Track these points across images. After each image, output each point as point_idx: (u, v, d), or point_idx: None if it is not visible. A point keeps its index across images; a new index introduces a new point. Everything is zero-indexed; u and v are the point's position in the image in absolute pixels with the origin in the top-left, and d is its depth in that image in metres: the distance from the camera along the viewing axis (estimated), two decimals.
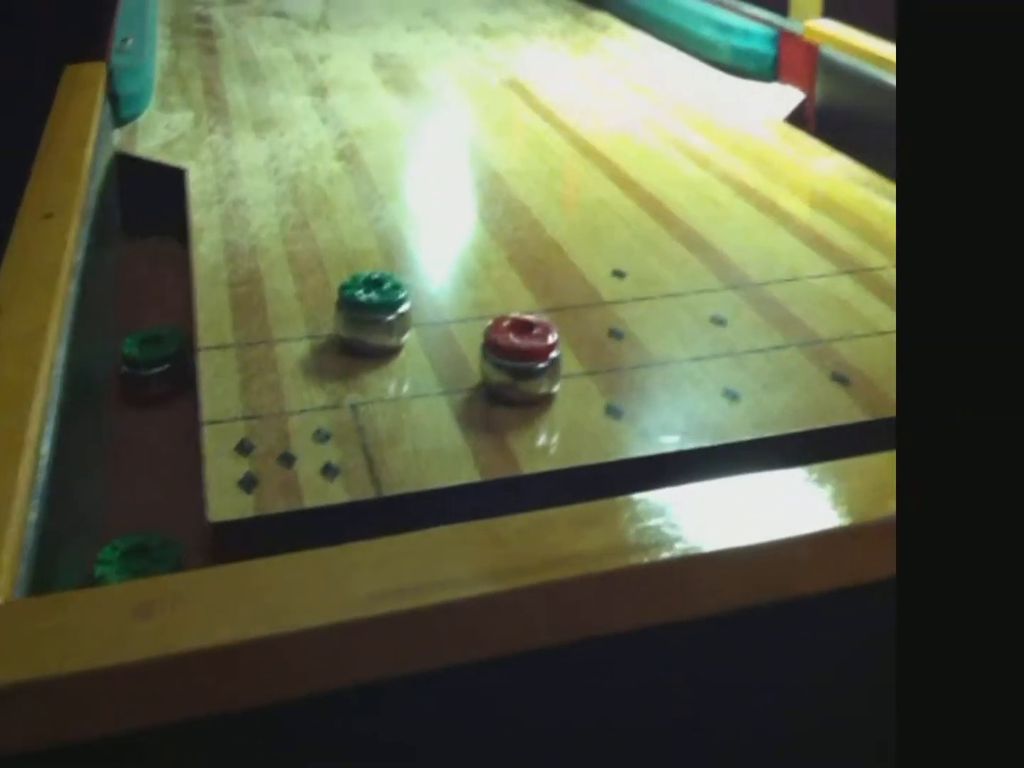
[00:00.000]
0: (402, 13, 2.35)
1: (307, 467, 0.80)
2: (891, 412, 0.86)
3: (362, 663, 0.56)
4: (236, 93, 1.74)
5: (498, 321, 0.91)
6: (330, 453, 0.81)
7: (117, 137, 1.48)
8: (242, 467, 0.80)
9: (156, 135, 1.51)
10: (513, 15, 2.34)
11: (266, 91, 1.76)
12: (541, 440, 0.84)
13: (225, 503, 0.76)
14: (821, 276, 1.11)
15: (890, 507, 0.63)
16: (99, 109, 1.37)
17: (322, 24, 2.26)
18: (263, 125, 1.58)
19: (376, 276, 0.98)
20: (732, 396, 0.89)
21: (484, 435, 0.84)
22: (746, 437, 0.83)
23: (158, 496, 0.85)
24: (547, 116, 1.65)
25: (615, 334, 0.99)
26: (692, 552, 0.60)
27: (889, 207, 1.29)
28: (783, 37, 1.80)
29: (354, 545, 0.60)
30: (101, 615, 0.55)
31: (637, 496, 0.64)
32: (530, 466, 0.80)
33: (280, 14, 2.32)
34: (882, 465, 0.68)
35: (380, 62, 1.96)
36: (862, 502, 0.64)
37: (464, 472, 0.79)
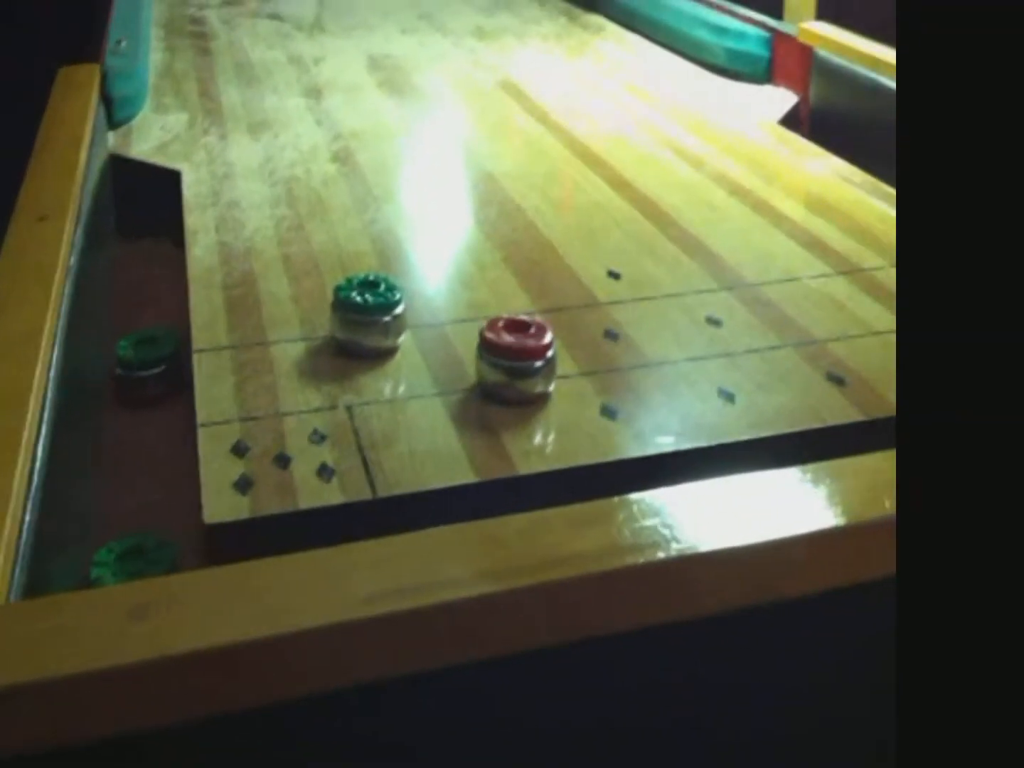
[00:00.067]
0: (397, 15, 2.35)
1: (303, 468, 0.80)
2: (886, 412, 0.87)
3: (360, 663, 0.56)
4: (231, 95, 1.74)
5: (494, 321, 0.91)
6: (326, 454, 0.81)
7: (111, 139, 1.48)
8: (238, 469, 0.80)
9: (150, 137, 1.51)
10: (508, 18, 2.34)
11: (261, 93, 1.76)
12: (537, 441, 0.84)
13: (221, 505, 0.76)
14: (816, 277, 1.11)
15: (885, 507, 0.63)
16: (93, 111, 1.36)
17: (317, 26, 2.26)
18: (258, 127, 1.58)
19: (371, 278, 0.98)
20: (727, 396, 0.89)
21: (480, 436, 0.84)
22: (741, 437, 0.84)
23: (154, 498, 0.85)
24: (542, 118, 1.65)
25: (610, 335, 0.99)
26: (688, 552, 0.60)
27: (883, 208, 1.29)
28: (777, 39, 1.81)
29: (351, 546, 0.60)
30: (97, 617, 0.55)
31: (633, 496, 0.64)
32: (526, 467, 0.80)
33: (275, 16, 2.32)
34: (877, 465, 0.68)
35: (375, 64, 1.96)
36: (857, 502, 0.64)
37: (460, 473, 0.79)
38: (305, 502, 0.76)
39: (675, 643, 0.63)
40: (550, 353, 0.89)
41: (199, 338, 0.97)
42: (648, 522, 0.62)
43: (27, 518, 0.66)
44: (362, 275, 0.98)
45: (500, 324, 0.90)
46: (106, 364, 1.00)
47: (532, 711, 0.62)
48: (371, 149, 1.51)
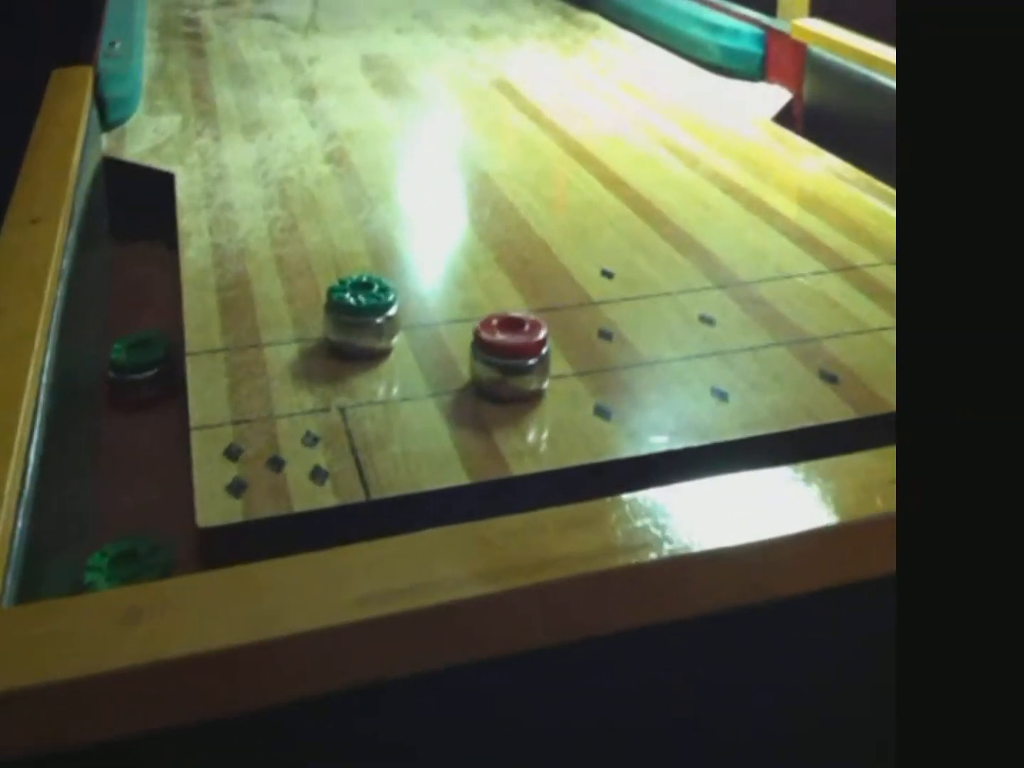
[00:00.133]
0: (392, 15, 2.35)
1: (296, 471, 0.80)
2: (880, 410, 0.87)
3: (355, 666, 0.56)
4: (225, 96, 1.73)
5: (488, 319, 0.91)
6: (319, 457, 0.81)
7: (105, 141, 1.48)
8: (231, 472, 0.80)
9: (144, 139, 1.50)
10: (503, 17, 2.34)
11: (255, 94, 1.76)
12: (530, 442, 0.84)
13: (214, 508, 0.76)
14: (809, 274, 1.11)
15: (878, 505, 0.63)
16: (86, 113, 1.36)
17: (311, 26, 2.26)
18: (252, 128, 1.58)
19: (365, 279, 0.98)
20: (721, 395, 0.89)
21: (473, 437, 0.84)
22: (734, 437, 0.84)
23: (147, 501, 0.85)
24: (536, 117, 1.65)
25: (604, 334, 0.99)
26: (681, 552, 0.60)
27: (877, 205, 1.29)
28: (771, 37, 1.81)
29: (344, 548, 0.60)
30: (90, 622, 0.55)
31: (626, 497, 0.64)
32: (519, 468, 0.80)
33: (269, 17, 2.32)
34: (870, 463, 0.68)
35: (369, 64, 1.96)
36: (850, 501, 0.64)
37: (453, 475, 0.79)
38: (299, 505, 0.76)
39: (669, 643, 0.63)
40: (544, 350, 0.89)
41: (192, 341, 0.97)
42: (641, 522, 0.62)
43: (20, 522, 0.66)
44: (355, 276, 0.98)
45: (494, 322, 0.90)
46: (100, 367, 1.00)
47: (527, 712, 0.62)
48: (365, 149, 1.50)
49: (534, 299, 1.06)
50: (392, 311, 0.95)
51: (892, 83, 1.50)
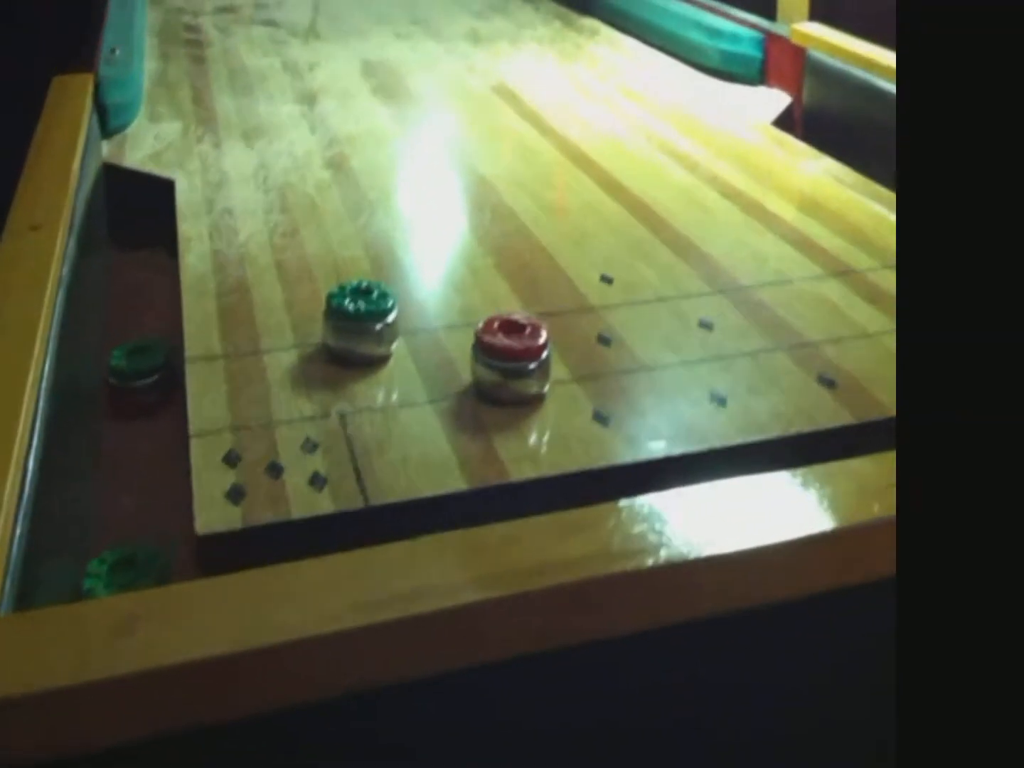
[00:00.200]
0: (391, 21, 2.35)
1: (295, 478, 0.80)
2: (878, 414, 0.87)
3: (353, 672, 0.56)
4: (225, 102, 1.74)
5: (489, 321, 0.91)
6: (318, 463, 0.81)
7: (105, 148, 1.48)
8: (229, 479, 0.80)
9: (144, 145, 1.51)
10: (502, 22, 2.34)
11: (255, 100, 1.76)
12: (529, 447, 0.84)
13: (213, 515, 0.76)
14: (808, 279, 1.11)
15: (875, 510, 0.63)
16: (87, 120, 1.36)
17: (311, 32, 2.26)
18: (252, 134, 1.58)
19: (364, 285, 0.98)
20: (719, 400, 0.89)
21: (472, 443, 0.84)
22: (732, 442, 0.84)
23: (147, 508, 0.85)
24: (535, 122, 1.65)
25: (603, 339, 0.99)
26: (678, 557, 0.60)
27: (876, 209, 1.29)
28: (770, 41, 1.81)
29: (342, 555, 0.60)
30: (88, 629, 0.55)
31: (623, 502, 0.64)
32: (518, 473, 0.80)
33: (270, 23, 2.32)
34: (868, 468, 0.68)
35: (369, 70, 1.96)
36: (847, 505, 0.64)
37: (452, 481, 0.79)
38: (297, 511, 0.76)
39: (668, 648, 0.63)
40: (545, 354, 0.89)
41: (192, 347, 0.97)
42: (639, 527, 0.62)
43: (19, 528, 0.66)
44: (355, 282, 0.98)
45: (495, 325, 0.91)
46: (100, 373, 1.00)
47: (526, 717, 0.62)
48: (365, 155, 1.51)
49: (533, 304, 1.06)
50: (391, 317, 0.95)
51: (891, 87, 1.50)
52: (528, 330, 0.90)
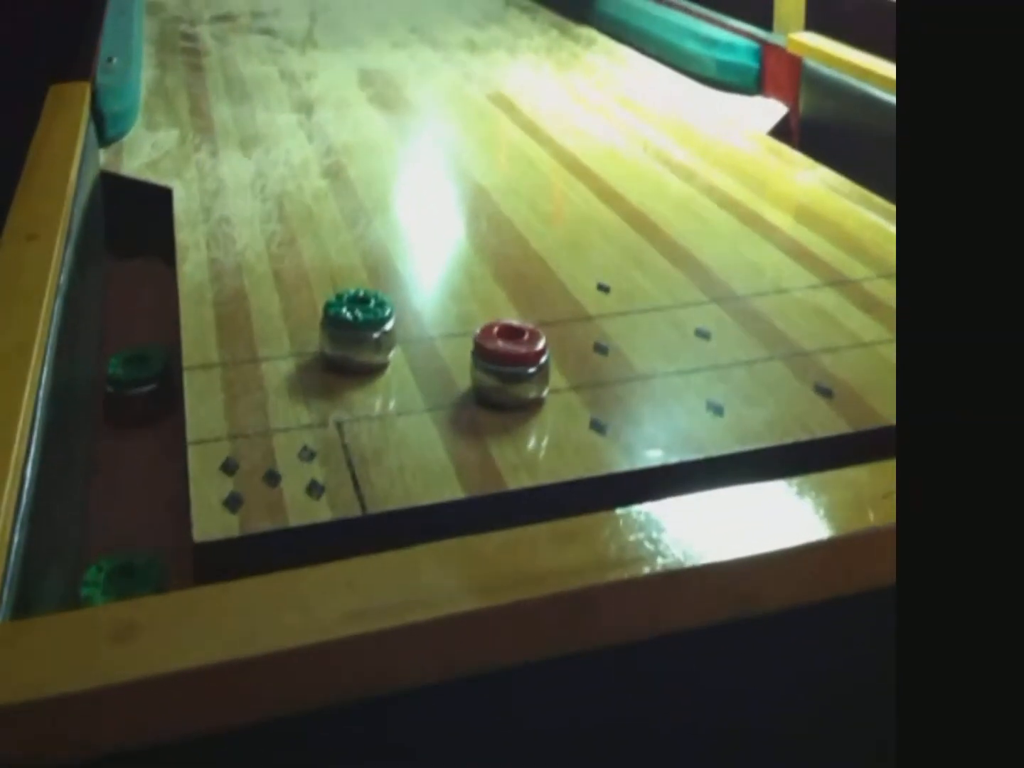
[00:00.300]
0: (389, 30, 2.35)
1: (292, 486, 0.80)
2: (874, 424, 0.87)
3: (347, 681, 0.56)
4: (222, 111, 1.74)
5: (488, 327, 0.92)
6: (315, 471, 0.81)
7: (102, 157, 1.48)
8: (227, 487, 0.80)
9: (142, 154, 1.51)
10: (499, 31, 2.34)
11: (252, 109, 1.76)
12: (526, 456, 0.84)
13: (211, 523, 0.76)
14: (804, 288, 1.11)
15: (870, 519, 0.63)
16: (84, 129, 1.37)
17: (308, 41, 2.26)
18: (249, 143, 1.58)
19: (361, 294, 0.98)
20: (716, 409, 0.89)
21: (469, 451, 0.84)
22: (729, 451, 0.84)
23: (144, 515, 0.85)
24: (532, 131, 1.65)
25: (600, 348, 0.99)
26: (674, 566, 0.60)
27: (872, 219, 1.30)
28: (767, 50, 1.81)
29: (339, 563, 0.60)
30: (85, 637, 0.55)
31: (620, 511, 0.64)
32: (515, 482, 0.80)
33: (267, 32, 2.33)
34: (863, 477, 0.68)
35: (366, 79, 1.97)
36: (843, 515, 0.65)
37: (449, 489, 0.80)
38: (294, 520, 0.77)
39: (664, 656, 0.63)
40: (543, 359, 0.90)
41: (189, 355, 0.97)
42: (634, 536, 0.62)
43: (16, 537, 0.66)
44: (352, 291, 0.98)
45: (494, 330, 0.91)
46: (97, 381, 1.00)
47: (521, 725, 0.62)
48: (362, 164, 1.51)
49: (530, 313, 1.06)
50: (388, 325, 0.96)
51: (887, 96, 1.50)
52: (526, 335, 0.91)
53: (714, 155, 1.54)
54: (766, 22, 1.89)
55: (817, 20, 1.77)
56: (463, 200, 1.44)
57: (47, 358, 0.85)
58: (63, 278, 0.99)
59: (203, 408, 0.90)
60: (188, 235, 1.24)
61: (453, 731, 0.60)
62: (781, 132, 1.68)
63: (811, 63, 1.70)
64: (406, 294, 1.12)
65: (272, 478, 0.81)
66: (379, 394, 0.92)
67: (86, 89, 1.51)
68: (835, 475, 0.68)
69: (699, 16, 2.03)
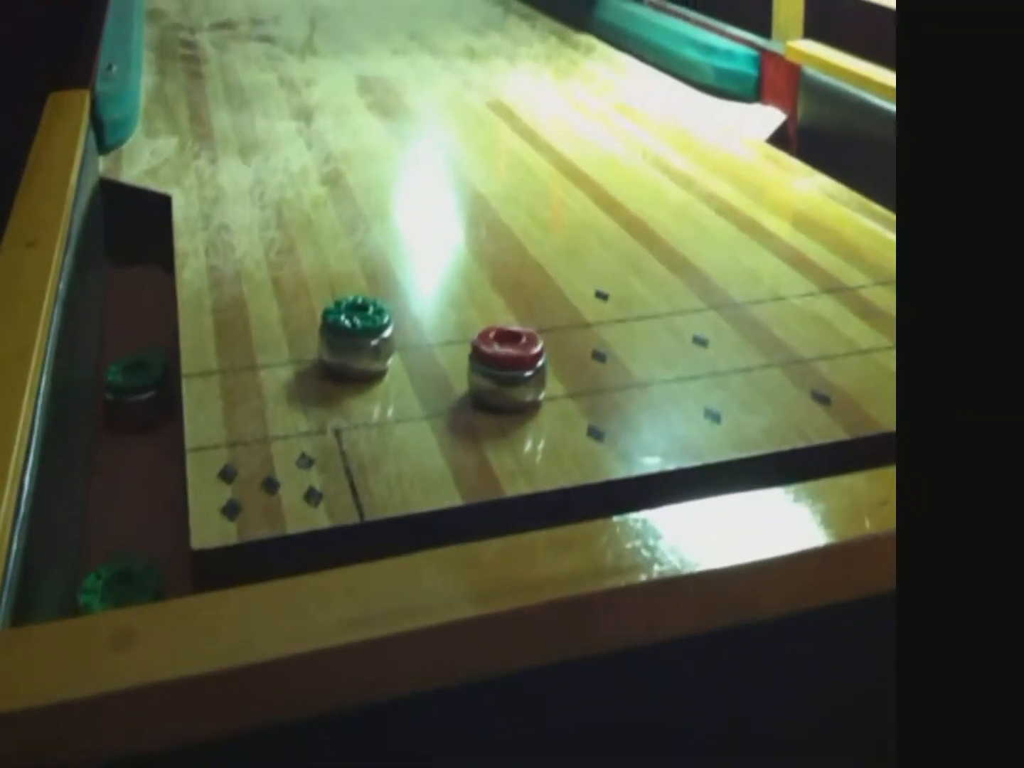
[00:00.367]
0: (388, 37, 2.36)
1: (290, 493, 0.80)
2: (871, 431, 0.87)
3: (345, 688, 0.57)
4: (221, 118, 1.74)
5: (486, 331, 0.92)
6: (313, 479, 0.81)
7: (102, 164, 1.48)
8: (225, 494, 0.80)
9: (141, 161, 1.51)
10: (499, 38, 2.35)
11: (252, 116, 1.76)
12: (524, 463, 0.84)
13: (208, 530, 0.76)
14: (802, 295, 1.11)
15: (866, 527, 0.63)
16: (83, 136, 1.37)
17: (308, 48, 2.27)
18: (248, 150, 1.59)
19: (360, 301, 0.98)
20: (713, 417, 0.89)
21: (467, 458, 0.84)
22: (726, 458, 0.84)
23: (143, 523, 0.85)
24: (531, 138, 1.66)
25: (598, 356, 0.99)
26: (671, 573, 0.60)
27: (870, 226, 1.30)
28: (765, 58, 1.82)
29: (336, 570, 0.60)
30: (84, 645, 0.55)
31: (617, 518, 0.64)
32: (512, 489, 0.80)
33: (266, 39, 2.33)
34: (860, 485, 0.68)
35: (365, 86, 1.97)
36: (840, 522, 0.65)
37: (447, 496, 0.80)
38: (292, 527, 0.77)
39: (661, 663, 0.63)
40: (540, 363, 0.90)
41: (188, 363, 0.98)
42: (631, 544, 0.62)
43: (15, 544, 0.66)
44: (350, 298, 0.99)
45: (491, 334, 0.92)
46: (96, 389, 1.00)
47: (520, 730, 0.62)
48: (361, 171, 1.51)
49: (528, 320, 1.06)
50: (387, 333, 0.96)
51: (885, 104, 1.51)
52: (523, 339, 0.92)
53: (712, 162, 1.54)
54: (764, 30, 1.89)
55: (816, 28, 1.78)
56: (462, 207, 1.44)
57: (47, 364, 0.85)
58: (62, 285, 0.99)
59: (202, 415, 0.90)
60: (187, 242, 1.25)
61: (452, 737, 0.61)
62: (779, 139, 1.68)
63: (809, 71, 1.70)
64: (405, 301, 1.12)
65: (270, 485, 0.81)
66: (377, 401, 0.92)
67: (85, 96, 1.51)
68: (832, 482, 0.69)
69: (697, 24, 2.03)
